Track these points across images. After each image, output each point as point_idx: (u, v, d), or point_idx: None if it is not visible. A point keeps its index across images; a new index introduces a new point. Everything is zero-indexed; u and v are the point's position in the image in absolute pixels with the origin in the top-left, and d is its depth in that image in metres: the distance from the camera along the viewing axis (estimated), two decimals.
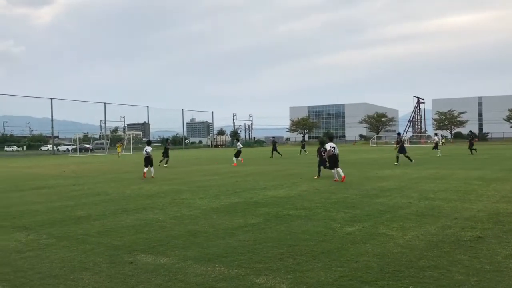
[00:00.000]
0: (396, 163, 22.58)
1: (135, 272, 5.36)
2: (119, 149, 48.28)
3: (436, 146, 34.45)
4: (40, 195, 13.27)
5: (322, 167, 16.82)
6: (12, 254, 6.36)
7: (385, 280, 4.85)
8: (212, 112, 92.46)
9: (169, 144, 29.49)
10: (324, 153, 16.43)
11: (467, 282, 4.76)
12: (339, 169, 15.61)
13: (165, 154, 26.19)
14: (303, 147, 44.41)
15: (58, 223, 8.64)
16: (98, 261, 5.86)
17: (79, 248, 6.61)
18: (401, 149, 23.54)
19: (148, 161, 18.61)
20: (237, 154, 26.79)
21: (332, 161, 15.83)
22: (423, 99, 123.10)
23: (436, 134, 42.23)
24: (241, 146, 28.13)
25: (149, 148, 18.89)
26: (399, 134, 28.61)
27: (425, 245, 6.30)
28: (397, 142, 24.42)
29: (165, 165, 25.24)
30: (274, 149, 34.73)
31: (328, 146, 15.98)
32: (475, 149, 33.78)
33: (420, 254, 5.83)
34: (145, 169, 18.53)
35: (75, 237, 7.36)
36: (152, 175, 18.45)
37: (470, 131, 39.43)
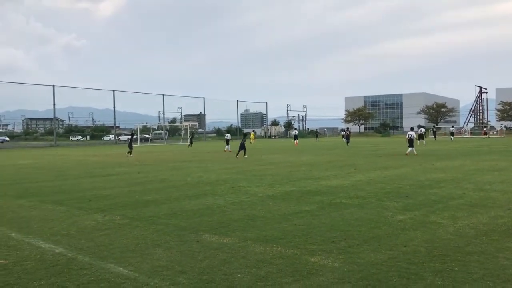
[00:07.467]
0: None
1: (202, 249, 5.99)
2: (252, 137, 53.93)
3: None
4: (109, 181, 14.36)
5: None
6: (93, 231, 7.19)
7: (431, 262, 5.18)
8: (266, 103, 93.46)
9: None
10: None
11: None
12: (413, 148, 24.22)
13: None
14: (316, 136, 62.43)
15: (129, 206, 9.50)
16: (168, 240, 6.55)
17: (150, 228, 7.35)
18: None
19: (228, 143, 33.38)
20: (228, 142, 33.96)
21: (410, 141, 24.49)
22: (486, 89, 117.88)
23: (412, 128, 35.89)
24: (229, 137, 35.69)
25: (228, 135, 35.75)
26: (418, 126, 34.32)
27: (475, 233, 6.52)
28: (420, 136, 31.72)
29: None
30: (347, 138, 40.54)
31: (408, 133, 24.95)
32: None
33: (468, 241, 6.08)
34: (226, 147, 32.63)
35: (146, 218, 8.14)
36: (225, 149, 32.28)
37: None
